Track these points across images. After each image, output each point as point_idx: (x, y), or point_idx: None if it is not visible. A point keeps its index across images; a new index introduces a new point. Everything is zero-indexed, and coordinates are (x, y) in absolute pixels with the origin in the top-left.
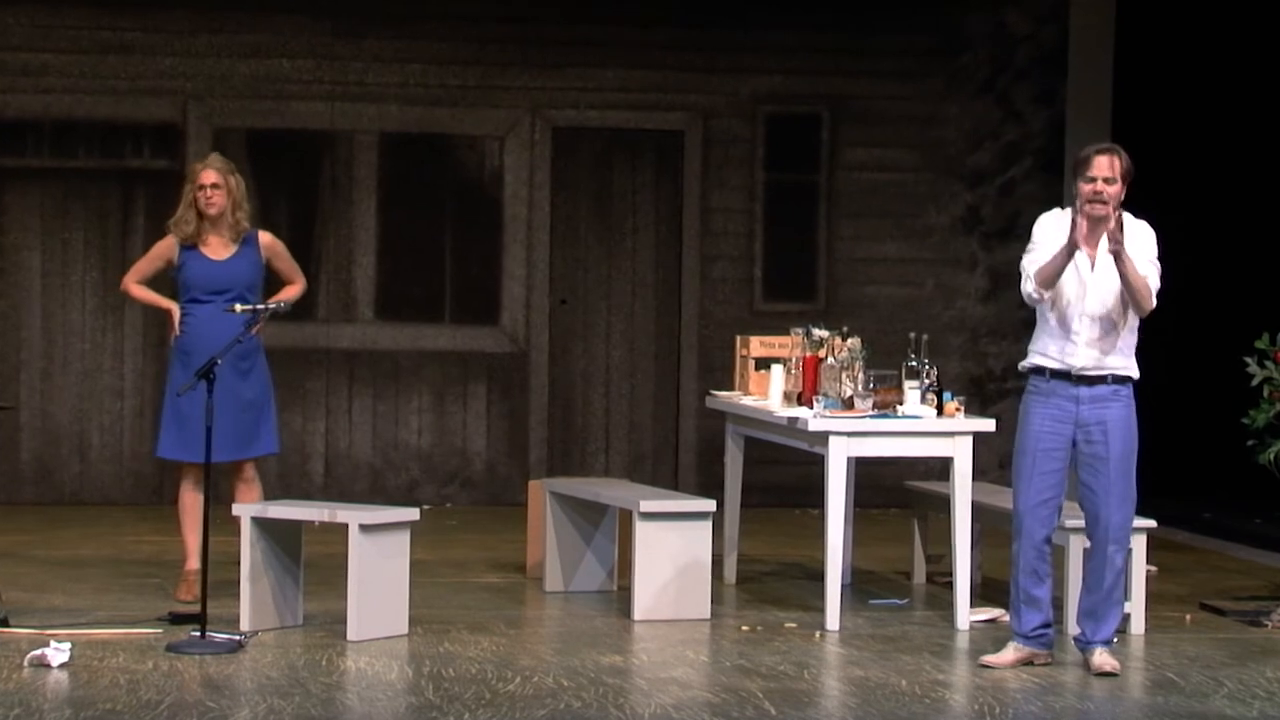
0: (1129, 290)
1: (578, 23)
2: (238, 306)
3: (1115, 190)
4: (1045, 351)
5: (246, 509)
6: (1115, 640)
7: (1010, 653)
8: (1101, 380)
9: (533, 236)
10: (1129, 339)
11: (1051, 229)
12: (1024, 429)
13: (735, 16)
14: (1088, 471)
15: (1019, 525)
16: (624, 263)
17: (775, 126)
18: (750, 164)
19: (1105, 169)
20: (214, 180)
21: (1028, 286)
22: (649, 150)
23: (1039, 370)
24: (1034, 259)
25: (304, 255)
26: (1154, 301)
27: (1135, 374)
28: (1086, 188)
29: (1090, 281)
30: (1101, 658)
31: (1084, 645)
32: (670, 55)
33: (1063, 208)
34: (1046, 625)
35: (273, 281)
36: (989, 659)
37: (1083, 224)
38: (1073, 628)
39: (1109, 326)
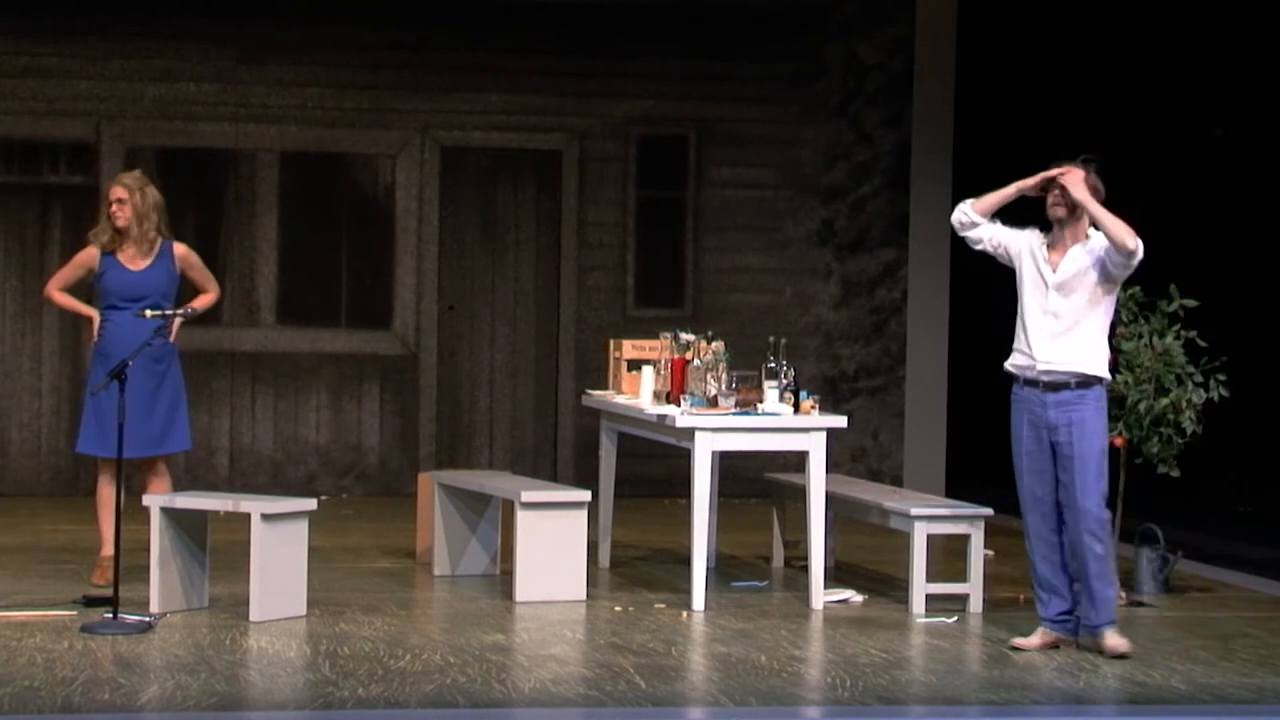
0: (1105, 232)
1: (464, 50)
2: (148, 313)
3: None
4: (1014, 361)
5: (156, 499)
6: (1116, 621)
7: (1037, 637)
8: (1065, 385)
9: (422, 248)
10: (1093, 341)
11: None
12: (1012, 435)
13: (609, 45)
14: (1061, 469)
15: (1025, 524)
16: (507, 272)
17: (646, 147)
18: (623, 181)
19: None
20: (120, 196)
21: (961, 207)
22: (530, 168)
23: (1015, 378)
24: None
25: (210, 265)
26: (1135, 239)
27: (1101, 374)
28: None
29: (1051, 282)
30: (1113, 640)
31: (1090, 629)
32: (549, 81)
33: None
34: (1068, 611)
35: (189, 290)
36: (1018, 641)
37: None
38: (1038, 606)
39: (1069, 327)
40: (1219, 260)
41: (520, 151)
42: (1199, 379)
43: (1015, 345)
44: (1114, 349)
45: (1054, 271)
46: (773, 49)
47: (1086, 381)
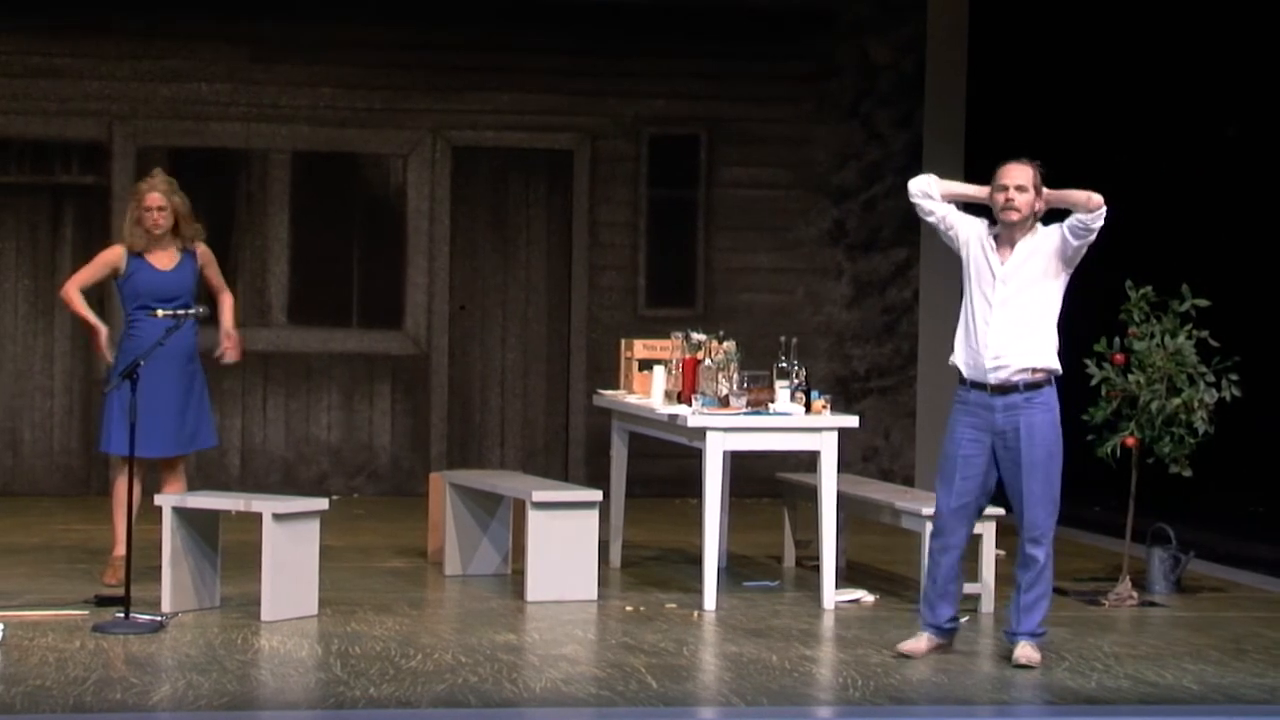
0: (1070, 201)
1: (475, 50)
2: (159, 312)
3: (1027, 199)
4: (961, 358)
5: (168, 499)
6: (1043, 633)
7: (924, 642)
8: (1014, 388)
9: (434, 248)
10: (1043, 333)
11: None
12: (948, 435)
13: (621, 45)
14: (1008, 475)
15: (940, 526)
16: (518, 272)
17: (657, 146)
18: (634, 181)
19: (1016, 177)
20: (160, 203)
21: (928, 177)
22: (541, 168)
23: (961, 379)
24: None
25: (222, 264)
26: (1098, 195)
27: (1051, 366)
28: (999, 196)
29: (1000, 274)
30: (1021, 650)
31: (1009, 636)
32: (561, 81)
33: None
34: (955, 617)
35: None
36: (906, 647)
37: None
38: (926, 611)
39: (1017, 320)
40: (1231, 260)
41: (532, 151)
42: (1211, 379)
43: (960, 339)
44: (1127, 350)
45: (1003, 263)
46: (785, 49)
47: (1035, 383)
